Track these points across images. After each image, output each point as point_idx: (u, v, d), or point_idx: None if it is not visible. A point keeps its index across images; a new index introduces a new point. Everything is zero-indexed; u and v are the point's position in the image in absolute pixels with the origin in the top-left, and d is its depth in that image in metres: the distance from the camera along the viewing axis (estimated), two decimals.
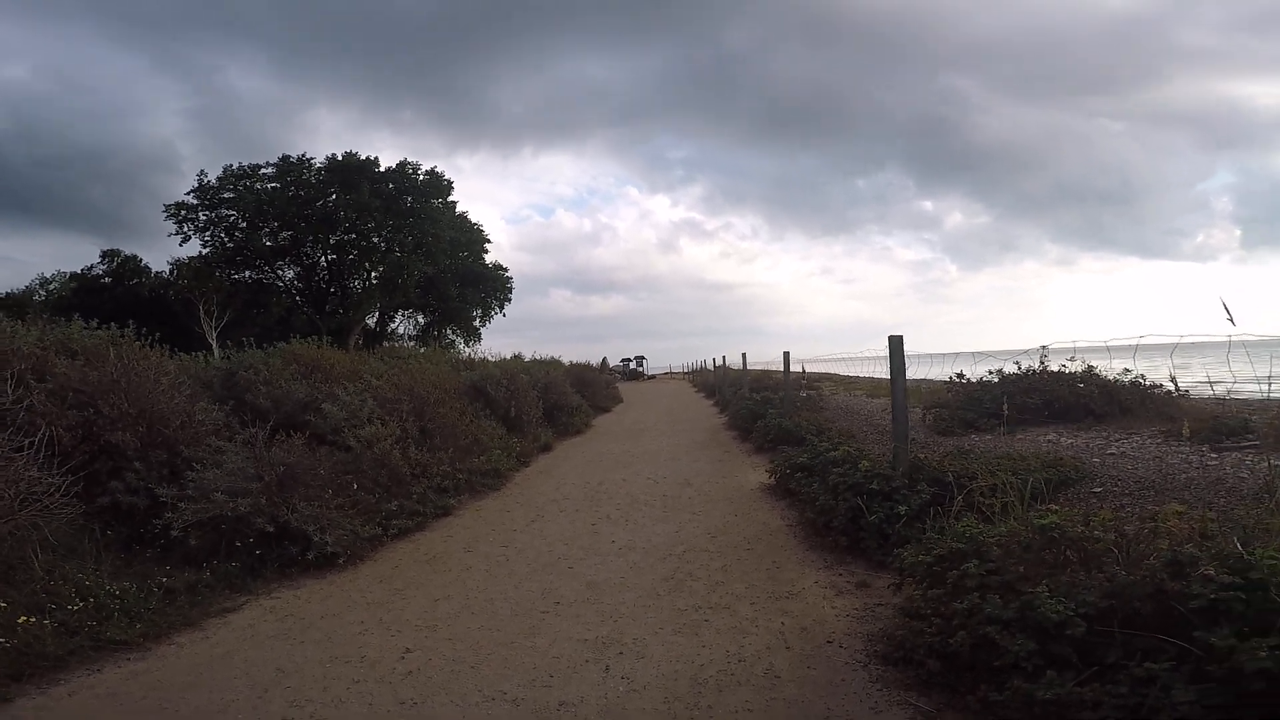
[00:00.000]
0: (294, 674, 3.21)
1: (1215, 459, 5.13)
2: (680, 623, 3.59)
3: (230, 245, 33.48)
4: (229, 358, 8.17)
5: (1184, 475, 4.64)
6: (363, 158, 34.35)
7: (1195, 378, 7.66)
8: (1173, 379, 6.87)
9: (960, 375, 8.23)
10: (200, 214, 33.20)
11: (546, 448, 10.35)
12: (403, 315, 39.83)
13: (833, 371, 19.84)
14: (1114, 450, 5.72)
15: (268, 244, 33.73)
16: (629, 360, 54.60)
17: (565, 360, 23.14)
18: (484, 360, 13.89)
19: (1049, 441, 6.27)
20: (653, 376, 54.10)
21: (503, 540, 5.41)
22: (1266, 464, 4.27)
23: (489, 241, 40.68)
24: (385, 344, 27.08)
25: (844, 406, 11.91)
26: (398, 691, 2.99)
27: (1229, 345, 2.87)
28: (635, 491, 7.07)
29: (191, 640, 3.66)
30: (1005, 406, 6.46)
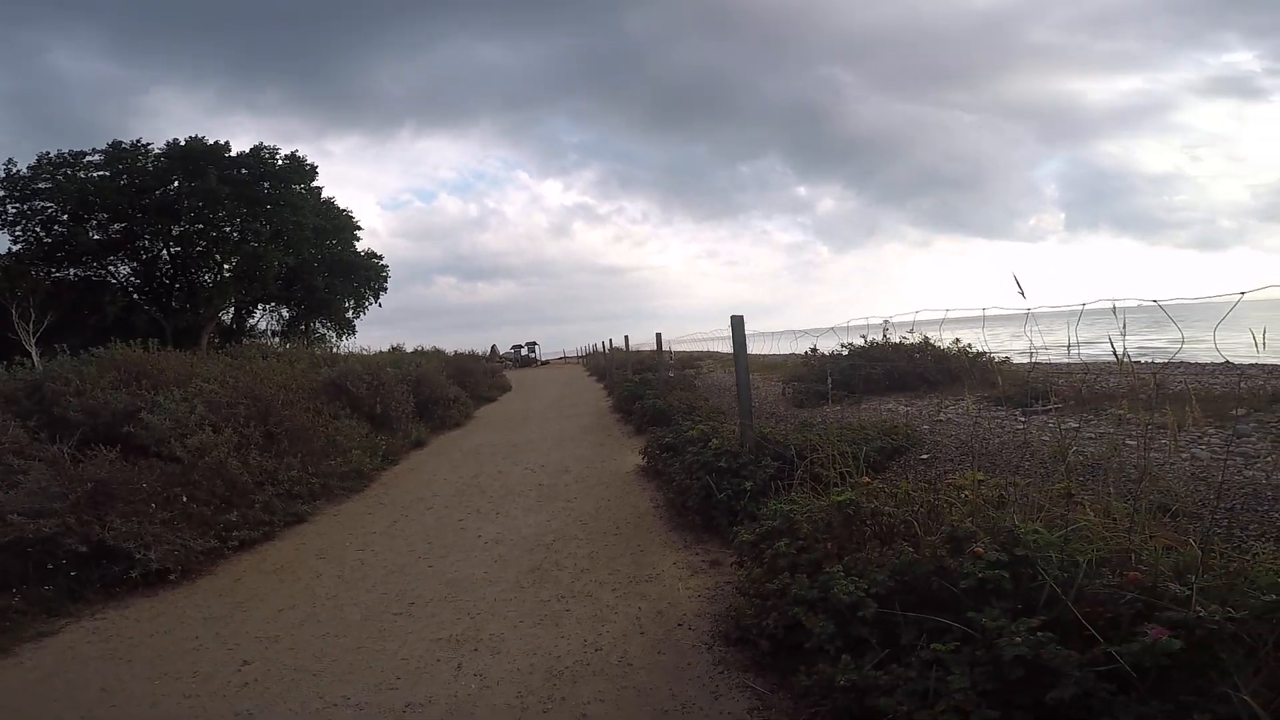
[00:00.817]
0: (120, 693, 3.01)
1: (1024, 422, 5.80)
2: (541, 614, 3.56)
3: (49, 240, 29.63)
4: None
5: (997, 439, 5.20)
6: (210, 142, 31.32)
7: (1018, 346, 8.61)
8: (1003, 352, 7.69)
9: (814, 350, 8.74)
10: (8, 206, 29.12)
11: (419, 444, 9.91)
12: (264, 309, 36.70)
13: (715, 350, 20.56)
14: (943, 416, 6.32)
15: (95, 238, 30.10)
16: (520, 347, 53.65)
17: (449, 350, 22.37)
18: (348, 355, 13.04)
19: (888, 410, 6.83)
20: (546, 362, 53.51)
21: (359, 544, 5.13)
22: (1059, 426, 4.89)
23: (360, 228, 38.27)
24: (245, 341, 24.80)
25: (717, 384, 12.34)
26: (233, 704, 2.84)
27: (1027, 317, 3.31)
28: (511, 483, 6.94)
29: (2, 667, 3.36)
30: (843, 378, 6.90)
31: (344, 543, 5.20)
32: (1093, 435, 5.01)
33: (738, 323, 5.17)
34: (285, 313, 37.33)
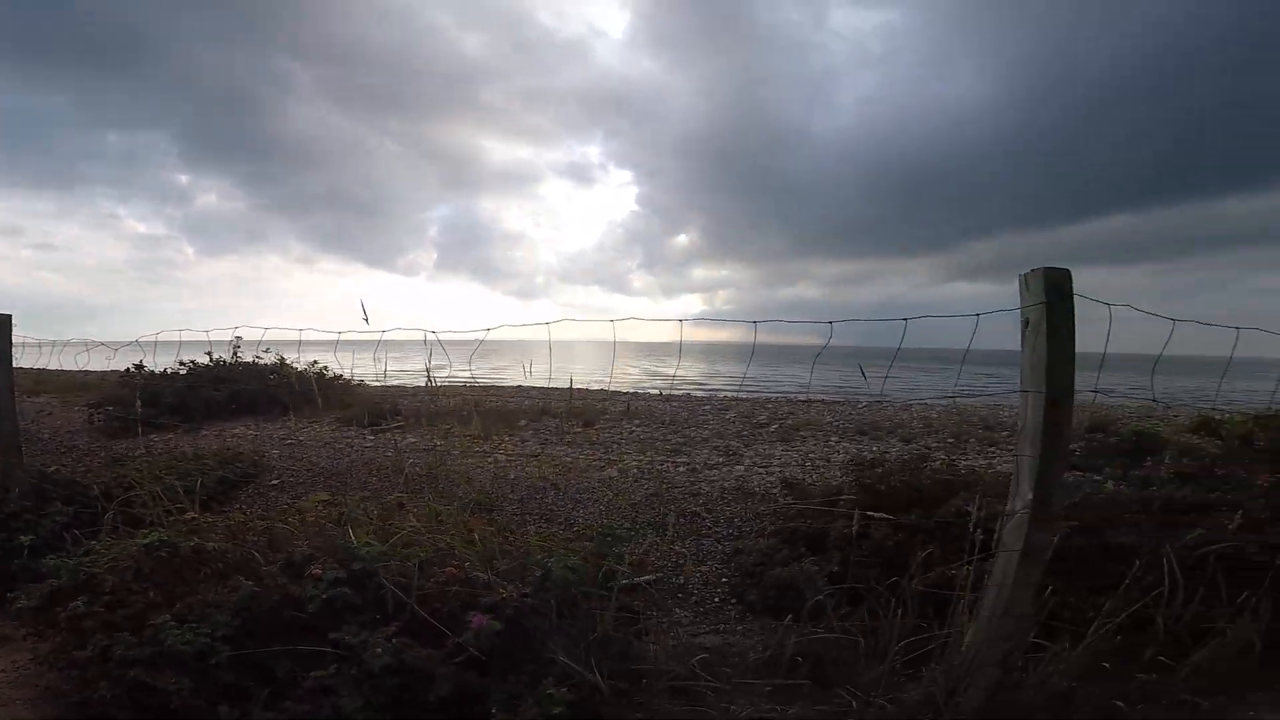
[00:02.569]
0: None
1: (372, 439, 6.23)
2: None
3: None
4: None
5: (347, 459, 5.40)
6: None
7: (371, 370, 9.26)
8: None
9: (139, 367, 7.19)
10: None
11: None
12: None
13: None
14: (297, 440, 6.17)
15: None
16: None
17: None
18: None
19: (235, 435, 6.22)
20: None
21: None
22: (398, 442, 5.47)
23: None
24: None
25: None
26: None
27: (376, 343, 3.67)
28: None
29: None
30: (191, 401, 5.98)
31: None
32: (427, 448, 5.82)
33: (3, 323, 3.76)
34: None
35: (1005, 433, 7.28)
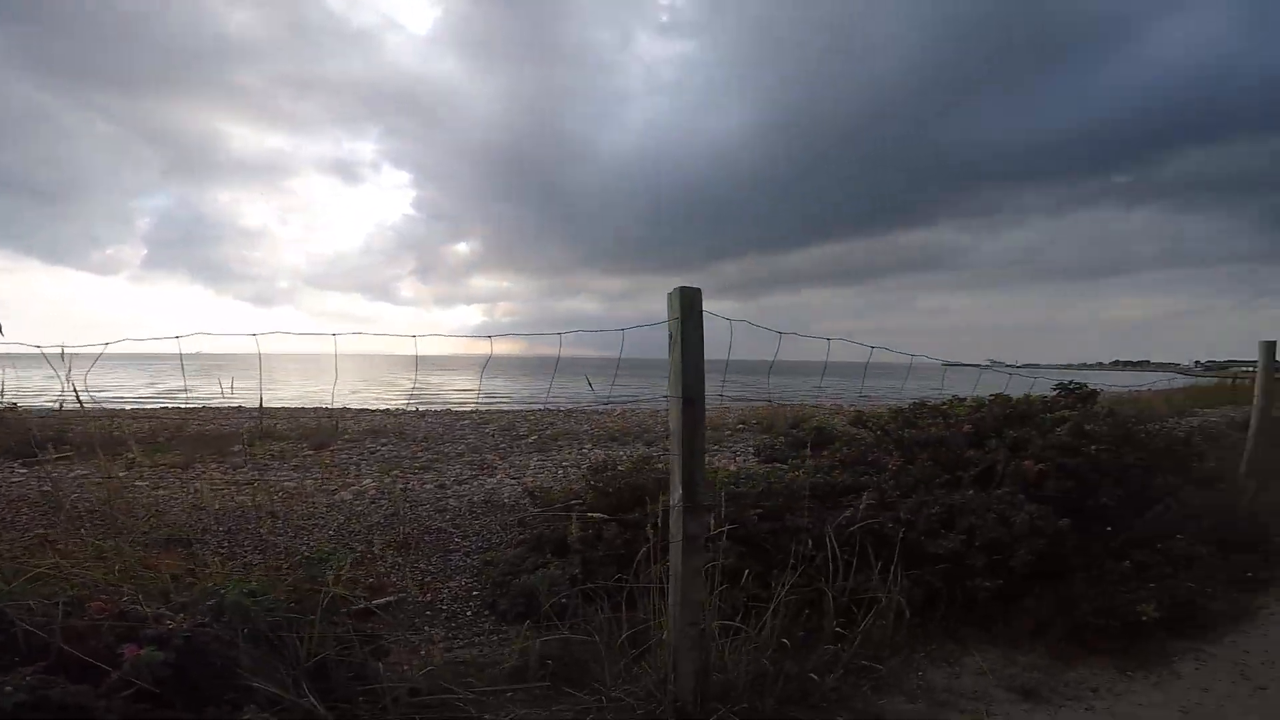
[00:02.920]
0: None
1: (24, 472, 4.97)
2: None
3: None
4: None
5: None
6: None
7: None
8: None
9: None
10: None
11: None
12: None
13: None
14: None
15: None
16: None
17: None
18: None
19: None
20: None
21: None
22: (59, 473, 4.43)
23: None
24: None
25: None
26: None
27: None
28: None
29: None
30: None
31: None
32: (101, 479, 4.81)
33: None
34: None
35: (728, 431, 8.32)
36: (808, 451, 4.88)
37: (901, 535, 3.32)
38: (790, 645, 2.68)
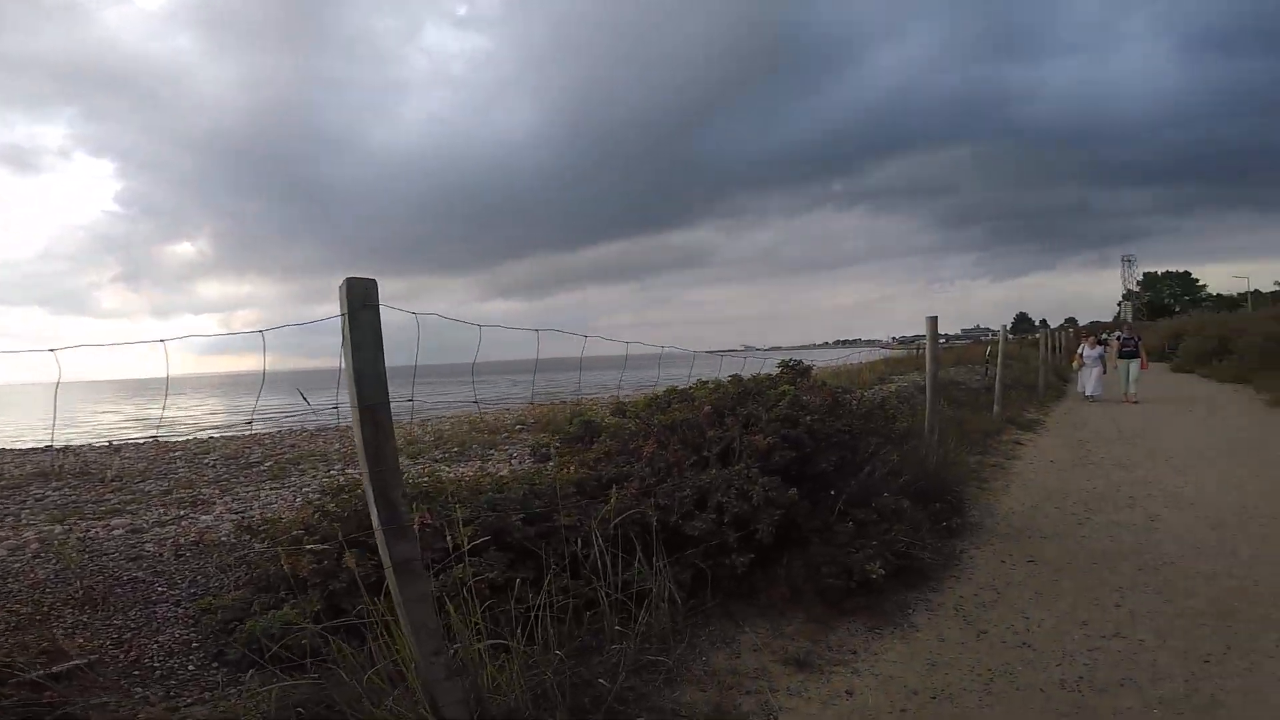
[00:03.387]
0: None
1: None
2: None
3: None
4: None
5: None
6: None
7: None
8: None
9: None
10: None
11: None
12: None
13: None
14: None
15: None
16: None
17: None
18: None
19: None
20: None
21: None
22: None
23: None
24: None
25: None
26: None
27: None
28: None
29: None
30: None
31: None
32: None
33: None
34: None
35: (504, 434, 8.04)
36: (580, 446, 4.83)
37: (661, 521, 3.39)
38: (575, 652, 2.60)
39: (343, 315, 1.68)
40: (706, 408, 3.96)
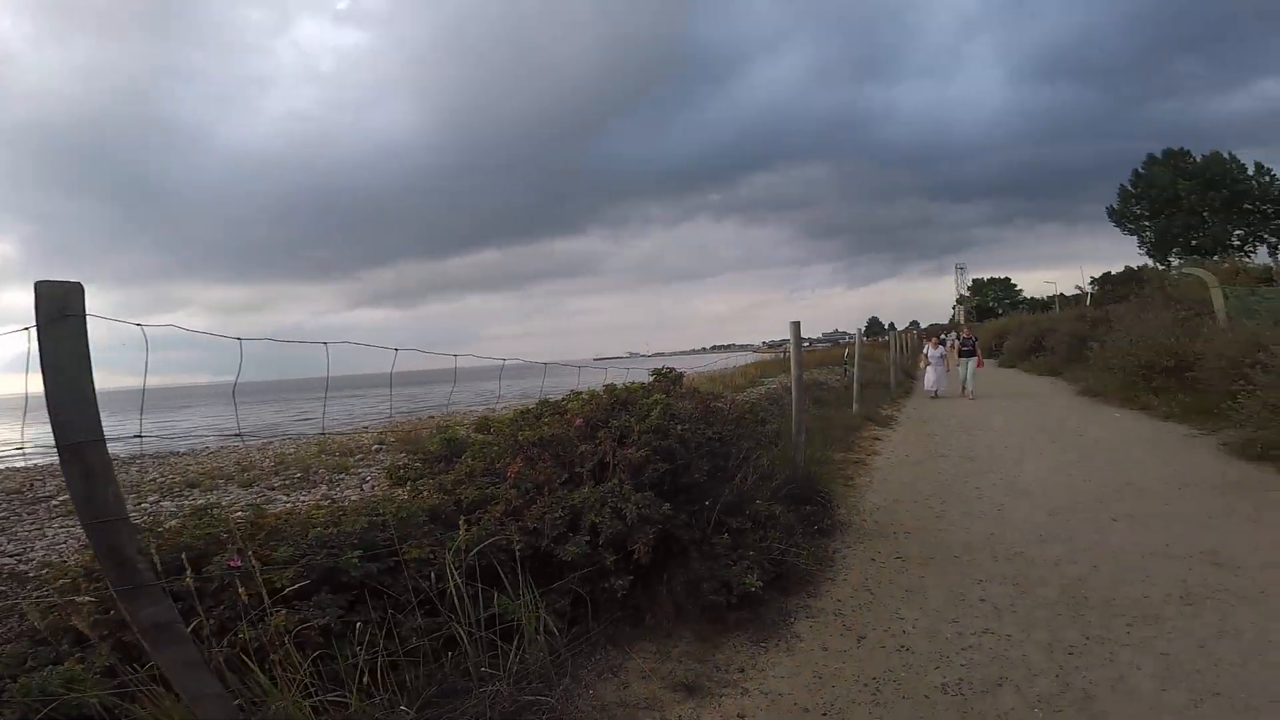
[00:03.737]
0: None
1: None
2: None
3: None
4: None
5: None
6: None
7: None
8: None
9: None
10: None
11: None
12: None
13: None
14: None
15: None
16: None
17: None
18: None
19: None
20: None
21: None
22: None
23: None
24: None
25: None
26: None
27: None
28: None
29: None
30: None
31: None
32: None
33: None
34: None
35: (359, 456, 7.28)
36: (442, 467, 4.38)
37: (531, 546, 3.11)
38: (440, 696, 2.39)
39: (34, 327, 1.22)
40: (578, 420, 3.68)
